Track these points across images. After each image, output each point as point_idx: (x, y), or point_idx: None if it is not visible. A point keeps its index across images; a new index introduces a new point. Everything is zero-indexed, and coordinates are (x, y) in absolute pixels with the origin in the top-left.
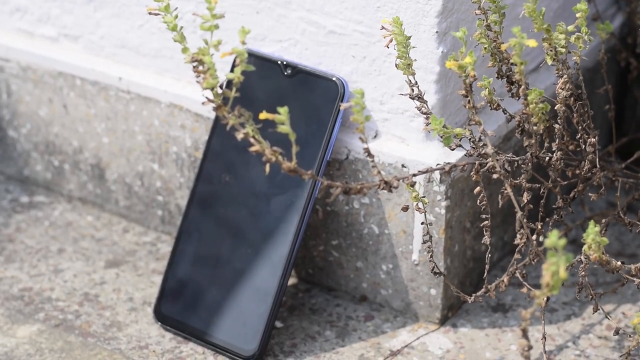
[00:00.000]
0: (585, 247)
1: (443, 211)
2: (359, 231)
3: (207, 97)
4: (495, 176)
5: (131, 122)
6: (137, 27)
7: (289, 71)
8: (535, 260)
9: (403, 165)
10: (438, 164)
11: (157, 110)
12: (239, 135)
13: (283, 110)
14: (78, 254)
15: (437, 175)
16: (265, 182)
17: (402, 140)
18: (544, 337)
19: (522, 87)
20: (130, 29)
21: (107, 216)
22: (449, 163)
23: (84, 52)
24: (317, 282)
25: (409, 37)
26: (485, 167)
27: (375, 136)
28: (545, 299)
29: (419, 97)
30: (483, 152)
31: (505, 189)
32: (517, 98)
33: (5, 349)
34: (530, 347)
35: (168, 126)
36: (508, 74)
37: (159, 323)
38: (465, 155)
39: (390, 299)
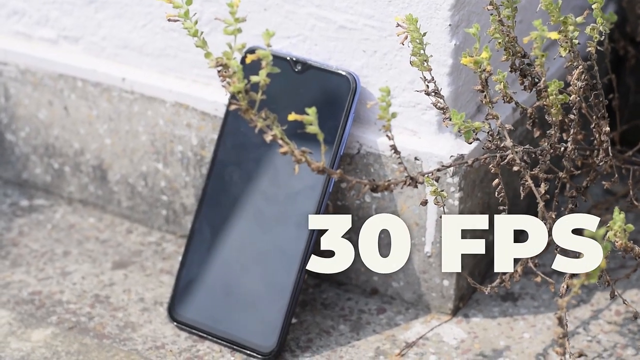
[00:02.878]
0: (610, 234)
1: (456, 202)
2: None
3: (232, 101)
4: (515, 168)
5: (135, 123)
6: (140, 27)
7: (299, 67)
8: (557, 249)
9: (416, 158)
10: (452, 156)
11: (162, 110)
12: (268, 138)
13: (311, 111)
14: (84, 256)
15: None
16: (279, 179)
17: (414, 133)
18: (566, 325)
19: (543, 79)
20: (132, 29)
21: (110, 217)
22: (462, 155)
23: (84, 54)
24: (326, 277)
25: (424, 34)
26: (506, 160)
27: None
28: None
29: (436, 93)
30: (502, 145)
31: (526, 181)
32: (529, 90)
33: (22, 354)
34: (565, 335)
35: (173, 125)
36: (522, 67)
37: (174, 323)
38: (483, 148)
39: (402, 291)
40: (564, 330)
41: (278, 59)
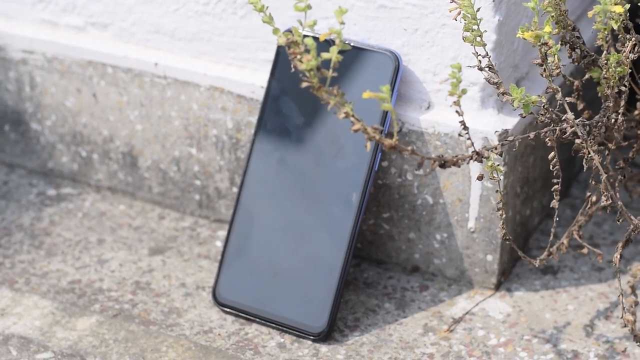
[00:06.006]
0: None
1: (501, 177)
2: (412, 202)
3: (304, 79)
4: (578, 141)
5: (167, 108)
6: (172, 12)
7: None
8: (620, 221)
9: (459, 135)
10: (496, 131)
11: (196, 94)
12: (340, 115)
13: (385, 89)
14: (119, 243)
15: (495, 141)
16: (323, 158)
17: None
18: (622, 294)
19: (605, 52)
20: (164, 13)
21: (140, 204)
22: (506, 130)
23: (113, 40)
24: (365, 256)
25: (478, 9)
26: (567, 133)
27: (428, 107)
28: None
29: (490, 68)
30: (563, 118)
31: (588, 153)
32: (577, 63)
33: (69, 342)
34: (637, 303)
35: (207, 109)
36: (572, 40)
37: (220, 306)
38: (538, 122)
39: (444, 267)
40: (636, 298)
41: (318, 40)
